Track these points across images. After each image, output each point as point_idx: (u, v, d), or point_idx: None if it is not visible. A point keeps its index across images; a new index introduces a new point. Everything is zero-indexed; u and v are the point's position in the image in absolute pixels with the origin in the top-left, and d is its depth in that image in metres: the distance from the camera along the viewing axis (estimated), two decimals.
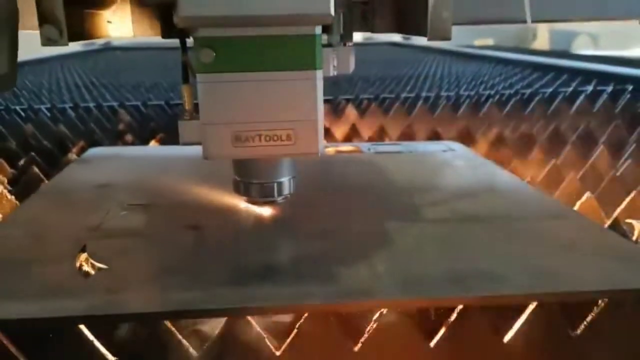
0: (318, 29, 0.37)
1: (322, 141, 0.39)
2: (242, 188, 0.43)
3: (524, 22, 0.54)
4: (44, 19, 0.37)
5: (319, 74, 0.38)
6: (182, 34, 0.40)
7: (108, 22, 0.46)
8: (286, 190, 0.43)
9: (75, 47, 2.84)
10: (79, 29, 0.41)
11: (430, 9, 0.40)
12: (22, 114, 1.05)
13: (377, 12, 0.48)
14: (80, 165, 0.60)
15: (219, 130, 0.37)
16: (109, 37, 0.47)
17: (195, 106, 0.38)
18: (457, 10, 0.40)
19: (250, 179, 0.42)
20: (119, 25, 0.47)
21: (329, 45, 0.40)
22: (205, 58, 0.36)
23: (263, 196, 0.42)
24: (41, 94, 1.33)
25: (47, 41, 0.38)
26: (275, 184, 0.42)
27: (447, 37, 0.40)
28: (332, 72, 0.40)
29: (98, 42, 3.14)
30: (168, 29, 0.40)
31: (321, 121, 0.38)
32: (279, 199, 0.43)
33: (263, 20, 0.35)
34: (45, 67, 2.08)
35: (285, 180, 0.42)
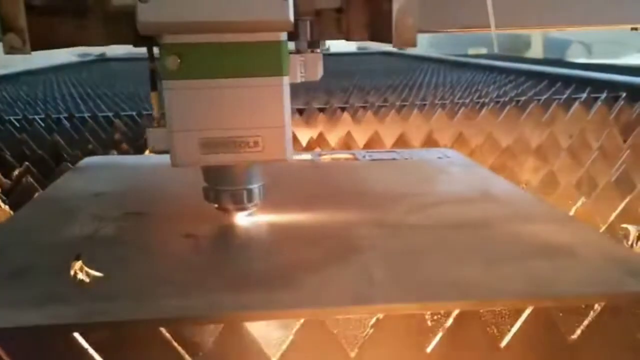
0: (284, 35, 0.37)
1: (290, 147, 0.39)
2: (212, 195, 0.42)
3: (489, 28, 0.54)
4: (7, 27, 0.37)
5: (286, 80, 0.38)
6: (150, 42, 0.39)
7: (81, 30, 0.46)
8: (256, 198, 0.42)
9: (70, 57, 2.84)
10: (44, 38, 0.41)
11: (395, 17, 0.40)
12: (17, 124, 1.05)
13: (351, 19, 0.48)
14: (75, 175, 0.60)
15: (186, 137, 0.37)
16: (79, 45, 0.47)
17: (164, 114, 0.38)
18: (422, 17, 0.41)
19: (220, 186, 0.42)
20: (91, 34, 0.47)
21: (297, 51, 0.41)
22: (170, 65, 0.36)
23: (233, 203, 0.42)
24: (36, 104, 1.33)
25: (10, 49, 0.37)
26: (245, 191, 0.42)
27: (412, 44, 0.40)
28: (300, 79, 0.40)
29: (93, 53, 3.15)
30: (139, 37, 0.40)
31: (289, 127, 0.38)
32: (250, 206, 0.43)
33: (222, 26, 0.35)
34: (39, 78, 2.08)
35: (256, 187, 0.42)
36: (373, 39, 0.48)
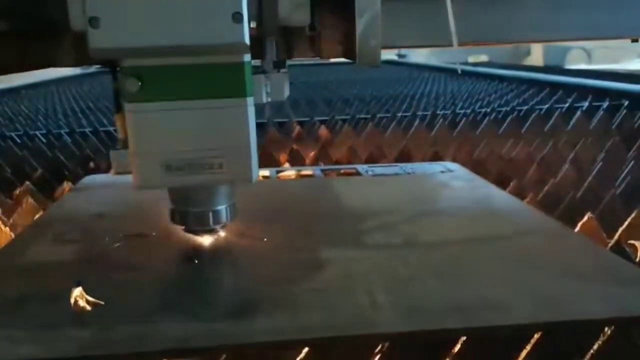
0: (247, 57, 0.36)
1: (256, 168, 0.38)
2: (178, 217, 0.41)
3: (451, 45, 0.55)
4: None
5: (250, 101, 0.37)
6: (114, 64, 0.38)
7: (53, 52, 0.46)
8: (224, 219, 0.41)
9: (71, 71, 2.85)
10: (14, 61, 0.41)
11: (358, 39, 0.40)
12: (18, 140, 1.05)
13: (323, 37, 0.48)
14: (76, 195, 0.60)
15: (149, 159, 0.37)
16: (50, 66, 0.46)
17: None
18: (388, 34, 0.40)
19: (185, 207, 0.41)
20: (62, 55, 0.46)
21: (263, 72, 0.40)
22: (130, 87, 0.35)
23: (199, 225, 0.41)
24: (37, 119, 1.33)
25: None
26: (211, 213, 0.41)
27: (375, 64, 0.40)
28: (265, 99, 0.40)
29: (95, 65, 3.16)
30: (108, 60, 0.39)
31: (254, 148, 0.38)
32: (217, 227, 0.42)
33: (176, 51, 0.34)
34: (40, 91, 2.09)
35: (222, 208, 0.41)
36: (345, 56, 0.48)
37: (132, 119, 0.36)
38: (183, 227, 0.42)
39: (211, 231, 0.42)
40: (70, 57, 0.47)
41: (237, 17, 0.33)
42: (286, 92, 0.42)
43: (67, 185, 0.70)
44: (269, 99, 0.40)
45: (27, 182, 0.69)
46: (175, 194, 0.41)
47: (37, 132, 1.09)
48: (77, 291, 0.36)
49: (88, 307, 0.34)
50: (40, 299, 0.36)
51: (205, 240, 0.43)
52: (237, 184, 0.40)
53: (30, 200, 0.60)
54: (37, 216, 0.59)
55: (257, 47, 0.39)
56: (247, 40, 0.34)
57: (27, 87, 2.22)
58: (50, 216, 0.54)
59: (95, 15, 0.32)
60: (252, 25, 0.36)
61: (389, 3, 0.39)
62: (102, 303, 0.35)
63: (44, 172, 0.77)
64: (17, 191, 0.68)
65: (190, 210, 0.41)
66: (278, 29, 0.39)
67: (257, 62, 0.40)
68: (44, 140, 1.03)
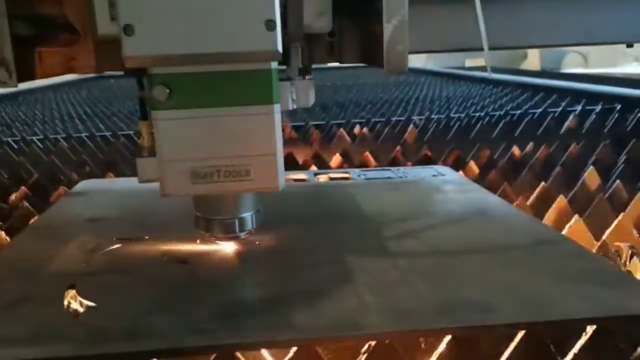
0: (274, 64, 0.37)
1: (282, 175, 0.38)
2: (203, 224, 0.42)
3: (481, 49, 0.56)
4: None
5: (277, 108, 0.37)
6: (139, 71, 0.38)
7: (72, 59, 0.46)
8: (249, 226, 0.42)
9: (69, 76, 2.85)
10: (32, 68, 0.41)
11: (386, 44, 0.40)
12: (15, 145, 1.05)
13: (344, 44, 0.48)
14: (71, 199, 0.60)
15: (176, 167, 0.37)
16: (69, 73, 0.46)
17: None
18: (415, 38, 0.41)
19: (211, 215, 0.41)
20: (81, 62, 0.47)
21: (288, 78, 0.40)
22: (159, 95, 0.35)
23: (225, 232, 0.42)
24: (34, 125, 1.34)
25: None
26: (237, 220, 0.41)
27: (402, 70, 0.40)
28: (291, 106, 0.40)
29: None
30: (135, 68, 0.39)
31: (281, 155, 0.38)
32: (242, 235, 0.42)
33: (210, 58, 0.34)
34: (38, 97, 2.09)
35: (248, 215, 0.41)
36: (366, 62, 0.48)
37: (160, 127, 0.37)
38: (207, 233, 0.42)
39: (236, 238, 0.43)
40: (92, 64, 0.47)
41: (271, 24, 0.34)
42: (312, 99, 0.42)
43: (62, 189, 0.70)
44: (295, 106, 0.41)
45: (23, 187, 0.70)
46: (200, 201, 0.42)
47: (34, 138, 1.10)
48: (71, 293, 0.37)
49: (81, 309, 0.35)
50: (35, 301, 0.36)
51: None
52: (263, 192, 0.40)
53: (26, 204, 0.61)
54: (32, 220, 0.59)
55: (283, 55, 0.39)
56: (280, 48, 0.34)
57: (25, 93, 2.22)
58: (46, 220, 0.54)
59: (130, 22, 0.33)
60: None
61: (414, 8, 0.39)
62: (95, 305, 0.35)
63: (39, 177, 0.78)
64: (13, 196, 0.69)
65: (216, 218, 0.41)
66: (303, 36, 0.40)
67: (282, 72, 0.40)
68: (41, 146, 1.04)
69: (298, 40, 0.40)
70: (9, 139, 1.09)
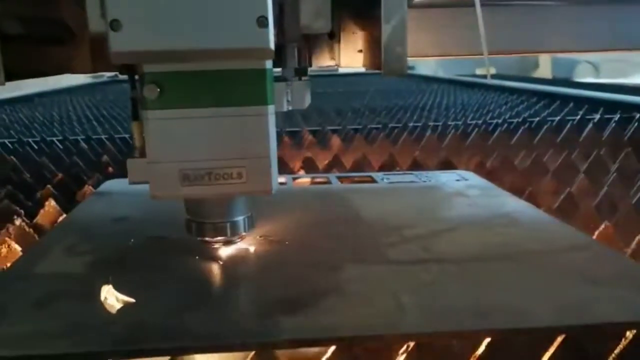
0: (268, 63, 0.36)
1: (276, 179, 0.37)
2: (195, 228, 0.41)
3: (481, 55, 0.55)
4: None
5: (271, 109, 0.36)
6: (133, 70, 0.38)
7: (67, 59, 0.46)
8: (241, 230, 0.41)
9: (83, 79, 2.88)
10: (23, 67, 0.40)
11: (384, 46, 0.39)
12: (35, 146, 1.06)
13: (343, 45, 0.48)
14: (97, 198, 0.61)
15: (166, 168, 0.36)
16: (62, 73, 0.46)
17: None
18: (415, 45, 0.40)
19: (202, 218, 0.40)
20: (76, 62, 0.46)
21: (283, 79, 0.39)
22: (149, 94, 0.34)
23: (216, 236, 0.41)
24: (52, 126, 1.35)
25: None
26: (229, 224, 0.40)
27: (401, 73, 0.40)
28: (286, 107, 0.39)
29: (106, 74, 3.19)
30: (124, 65, 0.38)
31: (274, 158, 0.37)
32: (234, 239, 0.41)
33: (199, 55, 0.33)
34: (54, 100, 2.11)
35: (240, 219, 0.40)
36: (365, 64, 0.47)
37: (150, 127, 0.36)
38: (199, 238, 0.42)
39: (228, 242, 0.42)
40: (87, 64, 0.47)
41: (262, 21, 0.33)
42: (307, 101, 0.41)
43: (87, 189, 0.71)
44: (290, 107, 0.39)
45: (48, 186, 0.70)
46: (191, 204, 0.41)
47: (54, 139, 1.10)
48: (107, 289, 0.37)
49: (118, 305, 0.35)
50: (71, 297, 0.37)
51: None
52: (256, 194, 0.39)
53: (53, 203, 0.61)
54: (60, 219, 0.60)
55: (279, 55, 0.38)
56: (272, 46, 0.33)
57: (40, 95, 2.24)
58: (73, 219, 0.54)
59: (117, 17, 0.32)
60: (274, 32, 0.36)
61: (415, 11, 0.39)
62: (133, 300, 0.35)
63: (64, 177, 0.79)
64: (39, 194, 0.69)
65: (207, 221, 0.40)
66: (300, 36, 0.39)
67: (278, 73, 0.39)
68: (61, 147, 1.04)
69: (295, 40, 0.39)
70: (29, 140, 1.10)
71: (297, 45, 0.40)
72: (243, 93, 0.36)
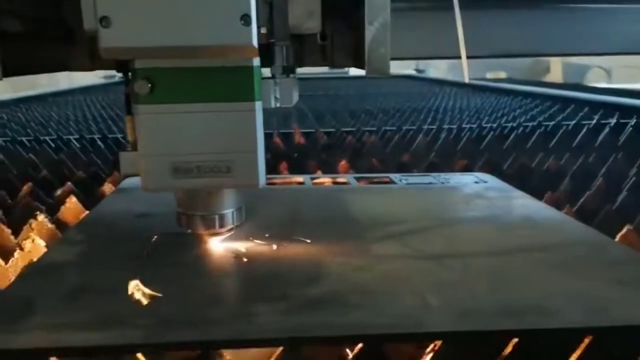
0: (256, 61, 0.37)
1: (263, 173, 0.38)
2: (185, 220, 0.42)
3: (459, 57, 0.56)
4: None
5: (258, 105, 0.38)
6: (126, 67, 0.39)
7: (66, 56, 0.47)
8: (230, 223, 0.42)
9: (96, 79, 2.90)
10: (22, 64, 0.41)
11: (367, 47, 0.40)
12: (52, 144, 1.07)
13: (335, 46, 0.48)
14: (118, 195, 0.61)
15: (157, 161, 0.37)
16: (61, 71, 0.47)
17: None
18: (396, 45, 0.40)
19: (192, 211, 0.41)
20: (75, 60, 0.47)
21: (272, 76, 0.40)
22: (140, 89, 0.36)
23: (205, 229, 0.41)
24: (69, 125, 1.36)
25: None
26: (217, 217, 0.41)
27: (385, 73, 0.40)
28: (274, 104, 0.40)
29: (118, 75, 3.22)
30: (121, 63, 0.39)
31: (261, 152, 0.38)
32: (223, 231, 0.42)
33: (185, 52, 0.34)
34: (68, 99, 2.13)
35: (229, 212, 0.41)
36: (356, 65, 0.48)
37: (141, 121, 0.37)
38: (189, 230, 0.42)
39: (217, 234, 0.43)
40: (85, 62, 0.47)
41: (246, 19, 0.33)
42: (295, 98, 0.42)
43: (107, 186, 0.71)
44: (278, 105, 0.40)
45: (69, 183, 0.71)
46: (182, 197, 0.42)
47: (70, 137, 1.11)
48: (134, 283, 0.37)
49: (146, 299, 0.36)
50: (99, 291, 0.37)
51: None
52: (245, 188, 0.40)
53: (74, 199, 0.62)
54: (81, 215, 0.60)
55: (269, 55, 0.39)
56: (255, 43, 0.34)
57: (55, 95, 2.26)
58: (96, 215, 0.55)
59: (106, 14, 0.33)
60: (263, 31, 0.37)
61: (399, 14, 0.39)
62: (160, 295, 0.36)
63: (82, 175, 0.79)
64: (59, 191, 0.70)
65: (197, 214, 0.41)
66: (289, 35, 0.40)
67: (268, 74, 0.40)
68: (78, 145, 1.05)
69: (284, 39, 0.40)
70: (46, 138, 1.11)
71: (286, 44, 0.41)
72: (231, 89, 0.37)
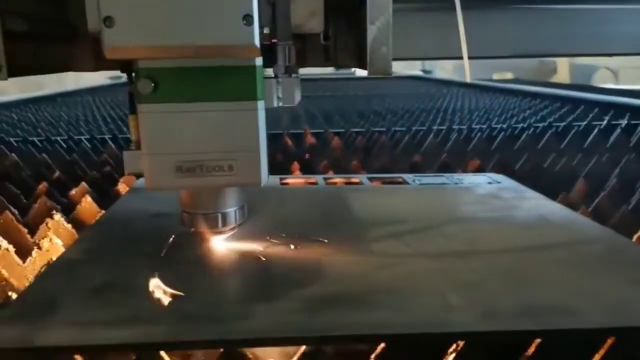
0: (258, 60, 0.37)
1: (265, 172, 0.39)
2: (187, 219, 0.42)
3: (461, 58, 0.55)
4: None
5: (261, 105, 0.38)
6: (130, 67, 0.39)
7: (70, 57, 0.47)
8: (232, 221, 0.42)
9: (102, 80, 2.91)
10: (27, 64, 0.41)
11: (369, 45, 0.40)
12: (64, 144, 1.08)
13: (338, 46, 0.48)
14: (133, 195, 0.61)
15: (160, 160, 0.38)
16: (65, 71, 0.47)
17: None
18: (401, 45, 0.40)
19: (194, 210, 0.41)
20: (78, 60, 0.47)
21: (275, 76, 0.40)
22: (143, 88, 0.36)
23: (208, 227, 0.42)
24: (79, 125, 1.37)
25: None
26: (220, 215, 0.41)
27: (387, 72, 0.40)
28: (277, 104, 0.40)
29: (124, 76, 3.22)
30: (125, 63, 0.39)
31: (264, 152, 0.38)
32: (226, 230, 0.42)
33: (188, 51, 0.34)
34: (76, 100, 2.14)
35: (231, 210, 0.42)
36: (359, 66, 0.47)
37: (145, 120, 0.37)
38: (192, 229, 0.42)
39: (219, 233, 0.43)
40: (89, 62, 0.48)
41: (248, 19, 0.34)
42: (297, 98, 0.42)
43: (121, 186, 0.71)
44: (280, 104, 0.41)
45: (83, 183, 0.71)
46: (184, 196, 0.42)
47: (81, 137, 1.12)
48: (155, 282, 0.37)
49: (167, 298, 0.36)
50: (120, 289, 0.37)
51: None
52: (248, 187, 0.41)
53: (89, 199, 0.62)
54: (97, 214, 0.60)
55: (272, 55, 0.39)
56: (258, 43, 0.35)
57: (63, 95, 2.27)
58: (113, 215, 0.55)
59: (110, 14, 0.33)
60: (266, 32, 0.37)
61: (402, 14, 0.39)
62: (182, 294, 0.36)
63: (96, 175, 0.80)
64: (74, 191, 0.70)
65: (199, 213, 0.41)
66: (291, 35, 0.40)
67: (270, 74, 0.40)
68: (89, 145, 1.06)
69: (286, 39, 0.40)
70: (58, 138, 1.11)
71: (289, 44, 0.41)
72: (234, 89, 0.37)
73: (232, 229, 0.43)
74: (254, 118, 0.38)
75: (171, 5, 0.34)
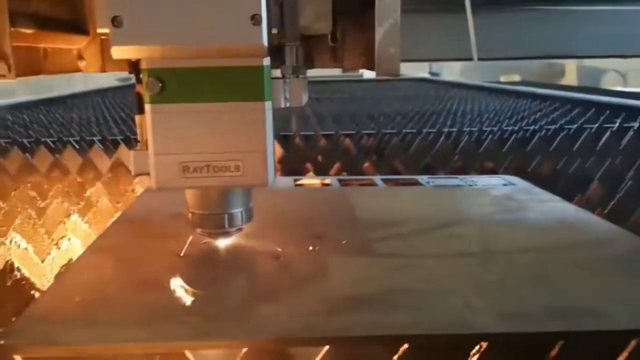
0: (266, 60, 0.37)
1: (272, 173, 0.39)
2: (193, 219, 0.42)
3: (471, 59, 0.55)
4: None
5: (268, 105, 0.38)
6: (138, 67, 0.39)
7: (79, 57, 0.47)
8: (239, 222, 0.42)
9: (112, 82, 2.93)
10: (35, 64, 0.42)
11: (377, 46, 0.40)
12: (76, 145, 1.08)
13: (345, 48, 0.48)
14: (150, 195, 0.61)
15: (167, 160, 0.38)
16: (73, 72, 0.47)
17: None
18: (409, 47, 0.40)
19: (200, 210, 0.42)
20: (87, 60, 0.48)
21: (282, 76, 0.40)
22: (150, 89, 0.36)
23: (214, 228, 0.42)
24: (90, 126, 1.37)
25: None
26: (226, 215, 0.42)
27: (395, 73, 0.40)
28: (284, 104, 0.40)
29: (132, 77, 3.23)
30: (134, 64, 0.40)
31: (271, 152, 0.38)
32: (232, 231, 0.43)
33: (196, 51, 0.35)
34: (87, 101, 2.15)
35: (238, 211, 0.42)
36: (366, 67, 0.48)
37: (152, 120, 0.38)
38: (199, 229, 0.43)
39: (226, 234, 0.43)
40: (97, 63, 0.48)
41: (256, 18, 0.34)
42: (305, 98, 0.42)
43: (136, 186, 0.72)
44: (287, 105, 0.41)
45: (98, 184, 0.71)
46: (190, 196, 0.42)
47: (94, 139, 1.12)
48: (177, 281, 0.38)
49: (189, 297, 0.36)
50: (143, 289, 0.37)
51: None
52: (255, 188, 0.41)
53: (105, 200, 0.62)
54: (114, 215, 0.61)
55: (279, 56, 0.40)
56: (266, 43, 0.35)
57: (73, 97, 2.28)
58: (130, 214, 0.55)
59: (118, 14, 0.33)
60: (274, 32, 0.38)
61: (410, 15, 0.39)
62: (203, 292, 0.36)
63: (112, 176, 0.80)
64: (89, 192, 0.70)
65: (205, 213, 0.42)
66: (299, 36, 0.40)
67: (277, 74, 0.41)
68: (102, 147, 1.06)
69: (294, 40, 0.40)
70: (70, 139, 1.12)
71: (297, 45, 0.41)
72: (241, 89, 0.37)
73: (239, 229, 0.43)
74: (261, 119, 0.38)
75: (179, 6, 0.34)
